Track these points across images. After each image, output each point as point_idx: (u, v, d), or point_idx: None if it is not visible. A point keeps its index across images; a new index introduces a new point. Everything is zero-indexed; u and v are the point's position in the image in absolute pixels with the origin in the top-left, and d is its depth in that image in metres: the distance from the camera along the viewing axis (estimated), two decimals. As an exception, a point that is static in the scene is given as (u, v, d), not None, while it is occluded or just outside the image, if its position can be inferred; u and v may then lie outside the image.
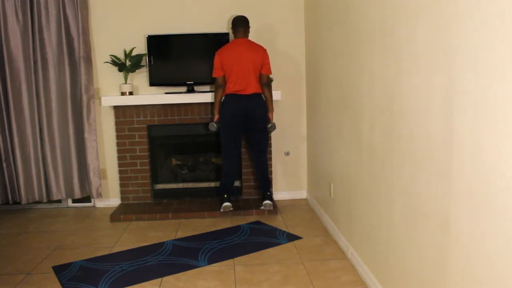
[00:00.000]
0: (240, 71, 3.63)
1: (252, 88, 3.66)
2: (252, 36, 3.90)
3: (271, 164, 4.21)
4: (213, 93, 3.85)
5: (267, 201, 3.83)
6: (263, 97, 3.76)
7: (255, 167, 3.97)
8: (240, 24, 3.70)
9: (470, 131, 1.46)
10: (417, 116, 1.85)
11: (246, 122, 3.74)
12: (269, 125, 3.82)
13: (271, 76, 3.84)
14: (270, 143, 4.18)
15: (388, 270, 2.27)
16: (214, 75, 3.72)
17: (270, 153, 4.21)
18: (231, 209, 3.82)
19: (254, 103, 3.70)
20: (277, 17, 4.14)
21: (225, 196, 3.84)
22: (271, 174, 4.22)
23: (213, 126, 3.79)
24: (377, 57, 2.29)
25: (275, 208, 3.91)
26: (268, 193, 3.89)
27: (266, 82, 3.73)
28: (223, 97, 3.74)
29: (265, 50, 3.72)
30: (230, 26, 3.80)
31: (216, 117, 3.77)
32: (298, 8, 4.15)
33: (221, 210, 3.82)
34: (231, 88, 3.67)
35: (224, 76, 3.70)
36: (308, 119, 4.19)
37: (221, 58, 3.67)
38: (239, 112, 3.68)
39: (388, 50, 2.13)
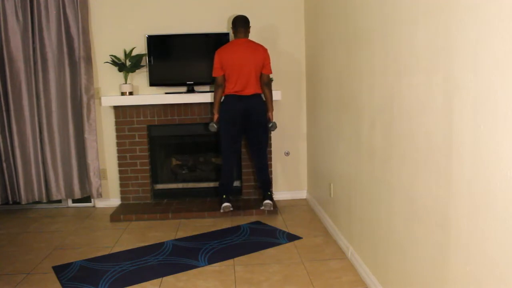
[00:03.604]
0: (240, 71, 3.62)
1: (252, 88, 3.65)
2: (252, 36, 3.89)
3: (271, 164, 4.21)
4: (213, 92, 3.85)
5: (267, 201, 3.82)
6: (263, 97, 3.76)
7: (255, 167, 3.95)
8: (241, 24, 3.69)
9: (470, 131, 1.46)
10: (417, 116, 1.85)
11: (246, 122, 3.72)
12: (270, 124, 3.80)
13: (271, 76, 3.85)
14: (270, 143, 4.19)
15: (388, 270, 2.27)
16: (214, 75, 3.71)
17: (270, 153, 4.21)
18: (231, 209, 3.82)
19: (254, 103, 3.69)
20: (277, 17, 4.14)
21: (224, 196, 3.83)
22: (271, 174, 4.22)
23: (213, 127, 3.76)
24: (377, 57, 2.29)
25: (275, 208, 3.91)
26: (269, 193, 3.87)
27: (266, 82, 3.73)
28: (223, 98, 3.74)
29: (265, 50, 3.70)
30: (231, 26, 3.79)
31: (216, 116, 3.75)
32: (298, 8, 4.15)
33: (221, 211, 3.82)
34: (231, 88, 3.66)
35: (223, 75, 3.69)
36: (308, 119, 4.19)
37: (220, 57, 3.65)
38: (239, 112, 3.67)
39: (388, 50, 2.13)
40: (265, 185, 3.90)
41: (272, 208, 3.84)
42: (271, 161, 4.22)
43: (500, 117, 1.30)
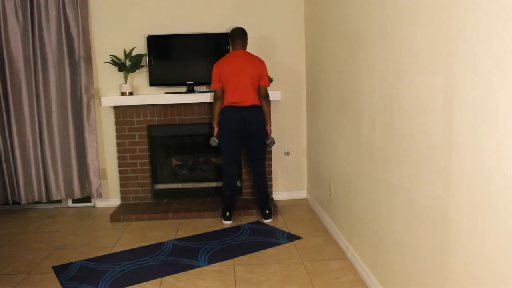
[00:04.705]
0: (238, 83, 3.57)
1: (250, 99, 3.59)
2: (252, 36, 3.89)
3: (271, 164, 4.21)
4: (212, 102, 3.79)
5: (267, 220, 3.71)
6: (261, 108, 3.68)
7: (253, 180, 3.86)
8: (238, 36, 3.65)
9: (470, 131, 1.46)
10: (417, 116, 1.85)
11: (245, 133, 3.66)
12: (268, 141, 3.73)
13: (270, 76, 3.84)
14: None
15: (388, 270, 2.27)
16: (212, 87, 3.67)
17: (270, 153, 4.21)
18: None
19: (252, 114, 3.62)
20: (277, 17, 4.14)
21: (228, 214, 3.71)
22: (271, 174, 4.22)
23: (214, 141, 3.70)
24: (377, 57, 2.29)
25: (275, 208, 3.91)
26: (267, 212, 3.72)
27: (264, 95, 3.67)
28: (222, 109, 3.66)
29: (263, 62, 3.66)
30: (230, 27, 3.78)
31: (216, 130, 3.70)
32: (298, 8, 4.15)
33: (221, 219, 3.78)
34: (229, 99, 3.59)
35: (222, 87, 3.64)
36: (308, 119, 4.19)
37: (219, 70, 3.61)
38: (238, 123, 3.61)
39: (388, 50, 2.14)
40: (263, 199, 3.77)
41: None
42: (271, 161, 4.22)
43: (500, 117, 1.30)
